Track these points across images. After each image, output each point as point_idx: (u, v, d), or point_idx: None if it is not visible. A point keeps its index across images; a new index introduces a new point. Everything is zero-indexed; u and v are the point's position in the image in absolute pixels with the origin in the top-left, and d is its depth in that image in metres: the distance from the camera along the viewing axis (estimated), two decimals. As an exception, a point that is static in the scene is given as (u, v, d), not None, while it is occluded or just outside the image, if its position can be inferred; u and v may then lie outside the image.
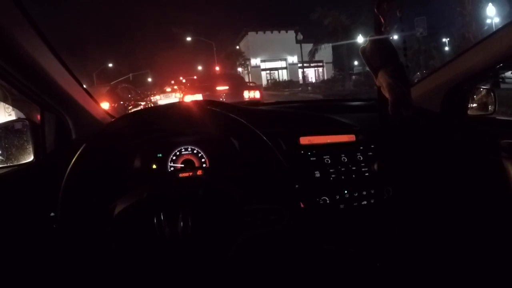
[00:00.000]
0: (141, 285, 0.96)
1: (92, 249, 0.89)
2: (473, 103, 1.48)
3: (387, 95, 1.08)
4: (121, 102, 9.34)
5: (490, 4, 19.60)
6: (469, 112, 1.46)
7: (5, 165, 1.11)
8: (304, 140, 1.26)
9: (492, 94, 1.45)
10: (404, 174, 1.27)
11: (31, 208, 1.04)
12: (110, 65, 37.83)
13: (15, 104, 1.21)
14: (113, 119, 1.23)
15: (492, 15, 19.82)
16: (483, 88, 1.48)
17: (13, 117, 1.39)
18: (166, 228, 0.84)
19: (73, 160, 0.88)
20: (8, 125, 1.16)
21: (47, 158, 1.14)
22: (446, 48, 28.36)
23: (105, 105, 6.91)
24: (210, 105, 1.09)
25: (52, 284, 1.08)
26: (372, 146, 1.27)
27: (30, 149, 1.13)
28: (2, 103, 1.31)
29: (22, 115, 1.23)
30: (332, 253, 1.25)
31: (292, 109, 1.68)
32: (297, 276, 1.19)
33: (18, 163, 1.12)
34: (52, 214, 0.92)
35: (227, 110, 1.02)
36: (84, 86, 1.28)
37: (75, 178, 0.87)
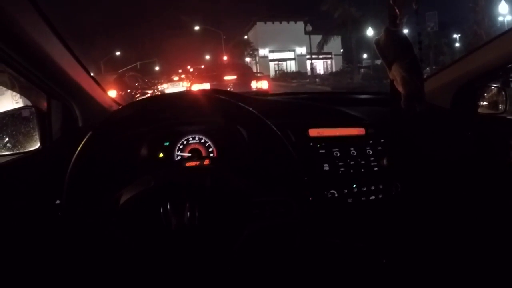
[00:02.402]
0: (146, 275, 0.96)
1: (98, 238, 0.89)
2: (483, 101, 1.45)
3: (400, 88, 1.06)
4: (128, 90, 9.39)
5: (503, 2, 19.30)
6: (479, 110, 1.43)
7: (12, 152, 1.11)
8: (314, 132, 1.24)
9: (503, 93, 1.41)
10: (413, 170, 1.25)
11: (37, 196, 1.04)
12: (118, 53, 37.86)
13: (22, 92, 1.21)
14: (120, 107, 1.23)
15: (504, 13, 19.57)
16: (494, 86, 1.45)
17: (20, 104, 1.39)
18: (172, 218, 0.83)
19: (79, 148, 0.87)
20: (14, 113, 1.15)
21: (54, 146, 1.14)
22: (457, 45, 27.91)
23: (112, 93, 6.93)
24: (218, 94, 1.08)
25: (57, 271, 1.09)
26: (382, 140, 1.25)
27: (37, 136, 1.12)
28: (9, 91, 1.31)
29: (29, 103, 1.23)
30: (339, 248, 1.24)
31: (301, 101, 1.66)
32: (303, 269, 1.19)
33: (25, 150, 1.12)
34: (57, 201, 0.93)
35: (235, 99, 1.00)
36: (92, 74, 1.28)
37: (80, 165, 0.87)
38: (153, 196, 0.85)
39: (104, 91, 1.35)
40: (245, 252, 0.89)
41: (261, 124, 0.96)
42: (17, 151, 1.12)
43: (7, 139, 1.12)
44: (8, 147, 1.12)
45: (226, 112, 1.09)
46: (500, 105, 1.42)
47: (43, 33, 0.98)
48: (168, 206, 0.84)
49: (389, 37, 1.07)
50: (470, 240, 1.32)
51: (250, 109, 0.96)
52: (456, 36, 28.61)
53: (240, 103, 0.97)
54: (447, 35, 27.92)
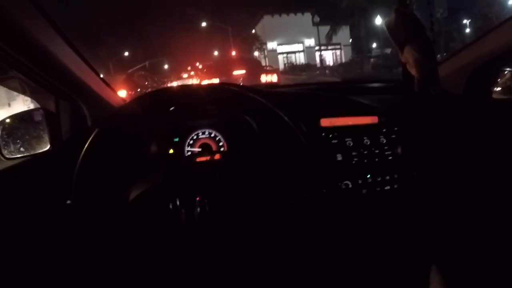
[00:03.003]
0: (156, 272, 0.96)
1: (107, 236, 0.89)
2: (497, 86, 1.40)
3: (413, 72, 1.03)
4: (138, 90, 9.46)
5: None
6: (493, 95, 1.39)
7: (23, 155, 1.12)
8: (325, 122, 1.20)
9: None
10: (428, 158, 1.22)
11: (48, 197, 1.05)
12: (126, 53, 38.02)
13: (33, 96, 1.22)
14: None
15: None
16: (508, 70, 1.40)
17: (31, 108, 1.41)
18: (182, 214, 0.82)
19: (86, 146, 0.86)
20: (23, 115, 1.16)
21: (63, 146, 1.14)
22: (467, 30, 27.27)
23: (122, 93, 6.99)
24: (228, 86, 1.07)
25: (68, 270, 1.10)
26: (396, 128, 1.21)
27: (47, 137, 1.13)
28: (21, 96, 1.32)
29: (39, 106, 1.23)
30: (354, 240, 1.22)
31: (311, 91, 1.64)
32: (316, 263, 1.17)
33: (35, 152, 1.12)
34: (68, 202, 0.93)
35: (245, 91, 0.99)
36: (102, 75, 1.27)
37: (88, 164, 0.86)
38: (162, 192, 0.84)
39: (113, 90, 1.35)
40: (258, 246, 0.88)
41: (272, 115, 0.94)
42: (28, 154, 1.12)
43: (17, 142, 1.13)
44: (19, 149, 1.12)
45: (236, 104, 1.07)
46: None
47: (48, 34, 0.97)
48: (178, 201, 0.83)
49: (400, 18, 1.04)
50: (487, 229, 1.29)
51: (261, 99, 0.94)
52: (466, 21, 27.92)
53: (250, 94, 0.96)
54: (457, 21, 27.22)
